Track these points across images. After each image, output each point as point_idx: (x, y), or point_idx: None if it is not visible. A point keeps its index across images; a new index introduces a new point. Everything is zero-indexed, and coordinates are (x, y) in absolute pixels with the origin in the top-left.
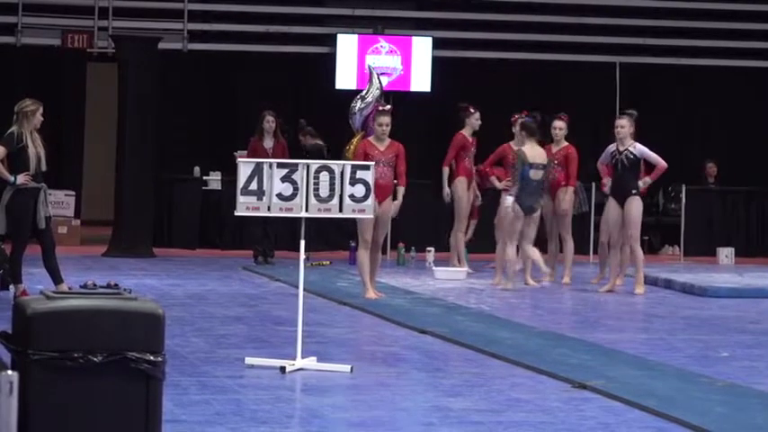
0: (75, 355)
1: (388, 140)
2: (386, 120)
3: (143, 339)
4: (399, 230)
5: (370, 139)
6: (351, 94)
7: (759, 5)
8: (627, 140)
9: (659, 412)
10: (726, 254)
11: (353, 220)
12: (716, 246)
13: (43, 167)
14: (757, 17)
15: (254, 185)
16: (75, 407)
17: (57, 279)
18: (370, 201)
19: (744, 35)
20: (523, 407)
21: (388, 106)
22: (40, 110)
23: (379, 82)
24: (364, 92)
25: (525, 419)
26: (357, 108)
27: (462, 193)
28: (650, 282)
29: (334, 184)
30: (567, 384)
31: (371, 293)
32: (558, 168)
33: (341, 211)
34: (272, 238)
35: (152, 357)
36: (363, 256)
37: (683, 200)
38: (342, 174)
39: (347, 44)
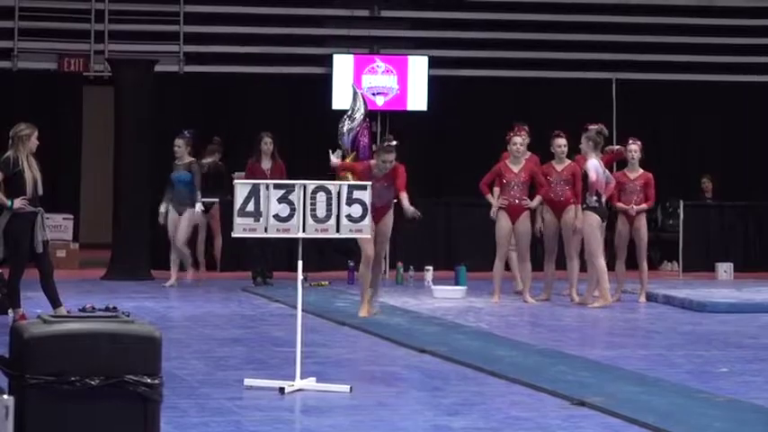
0: (72, 378)
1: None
2: (390, 157)
3: (140, 362)
4: (398, 250)
5: (372, 166)
6: None
7: (753, 20)
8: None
9: (658, 428)
10: (724, 269)
11: (353, 240)
12: (714, 261)
13: (40, 191)
14: (752, 32)
15: (251, 207)
16: (73, 431)
17: (55, 303)
18: (367, 221)
19: (738, 50)
20: (522, 425)
21: (394, 142)
22: (35, 134)
23: (363, 101)
24: (350, 111)
25: None
26: (345, 128)
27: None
28: (650, 297)
29: (330, 204)
30: (566, 401)
31: (364, 311)
32: (566, 186)
33: (338, 231)
34: (270, 259)
35: (149, 380)
36: (364, 271)
37: (681, 215)
38: (339, 194)
39: (343, 64)
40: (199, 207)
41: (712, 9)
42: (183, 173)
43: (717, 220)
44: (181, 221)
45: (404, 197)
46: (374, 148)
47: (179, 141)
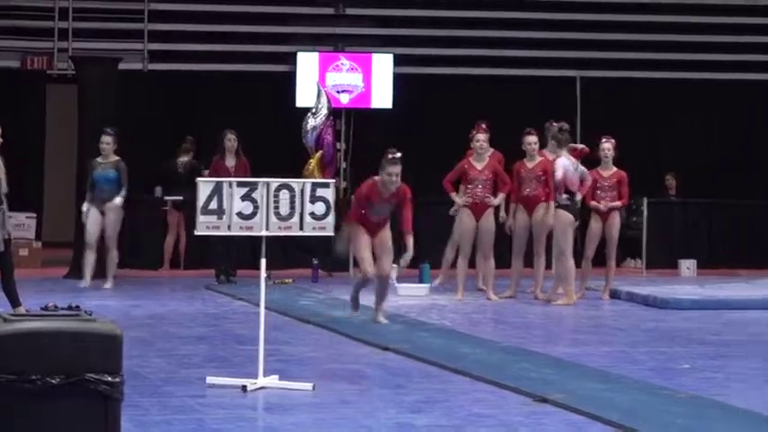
0: (33, 377)
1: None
2: (396, 170)
3: (102, 361)
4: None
5: (378, 185)
6: None
7: (716, 18)
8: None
9: (621, 425)
10: (687, 266)
11: (316, 239)
12: (678, 258)
13: (4, 189)
14: (715, 30)
15: (214, 205)
16: (34, 430)
17: (14, 302)
18: (330, 218)
19: (700, 48)
20: (485, 422)
21: (399, 154)
22: None
23: (327, 99)
24: (314, 109)
25: None
26: (310, 126)
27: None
28: (613, 295)
29: (294, 202)
30: (529, 399)
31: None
32: (538, 184)
33: (301, 228)
34: (233, 257)
35: (110, 378)
36: (360, 280)
37: (645, 213)
38: (302, 192)
39: (307, 62)
40: (118, 200)
41: (677, 6)
42: (110, 171)
43: (680, 218)
44: (109, 220)
45: (409, 239)
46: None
47: (108, 138)
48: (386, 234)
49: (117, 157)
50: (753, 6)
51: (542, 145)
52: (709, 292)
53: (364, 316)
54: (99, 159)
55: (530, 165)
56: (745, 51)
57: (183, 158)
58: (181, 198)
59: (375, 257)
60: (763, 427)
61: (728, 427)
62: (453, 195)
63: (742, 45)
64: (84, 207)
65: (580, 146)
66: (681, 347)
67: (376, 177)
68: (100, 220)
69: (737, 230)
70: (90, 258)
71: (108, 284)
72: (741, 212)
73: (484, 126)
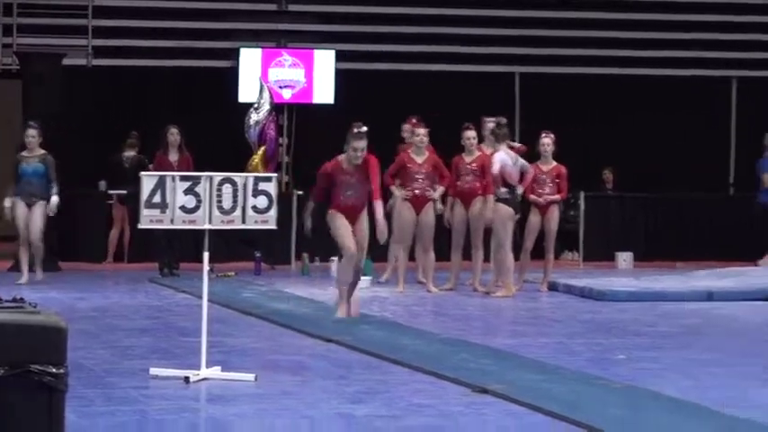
0: None
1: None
2: (361, 144)
3: (46, 352)
4: (304, 240)
5: (341, 160)
6: None
7: (652, 15)
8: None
9: (558, 415)
10: (624, 258)
11: (259, 232)
12: (614, 250)
13: None
14: (649, 26)
15: (157, 198)
16: None
17: None
18: (273, 212)
19: (637, 45)
20: (425, 412)
21: (364, 128)
22: None
23: (270, 94)
24: (256, 104)
25: (427, 424)
26: (252, 121)
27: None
28: (551, 287)
29: (236, 195)
30: (468, 389)
31: (342, 311)
32: (475, 178)
33: (244, 222)
34: (176, 250)
35: (54, 370)
36: (345, 266)
37: (582, 206)
38: (244, 186)
39: (250, 58)
40: (55, 201)
41: (615, 4)
42: (37, 165)
43: (617, 211)
44: (35, 216)
45: (378, 206)
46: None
47: (33, 132)
48: (363, 225)
49: (43, 151)
50: (689, 4)
51: (481, 140)
52: (644, 285)
53: (305, 308)
54: (24, 153)
55: (468, 159)
56: (679, 48)
57: (128, 153)
58: (125, 192)
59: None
60: (697, 416)
61: (663, 417)
62: (394, 188)
63: (677, 42)
64: (7, 203)
65: (517, 144)
66: (617, 338)
67: (339, 157)
68: (27, 214)
69: (673, 224)
70: (25, 254)
71: (39, 276)
72: (676, 206)
73: (415, 120)
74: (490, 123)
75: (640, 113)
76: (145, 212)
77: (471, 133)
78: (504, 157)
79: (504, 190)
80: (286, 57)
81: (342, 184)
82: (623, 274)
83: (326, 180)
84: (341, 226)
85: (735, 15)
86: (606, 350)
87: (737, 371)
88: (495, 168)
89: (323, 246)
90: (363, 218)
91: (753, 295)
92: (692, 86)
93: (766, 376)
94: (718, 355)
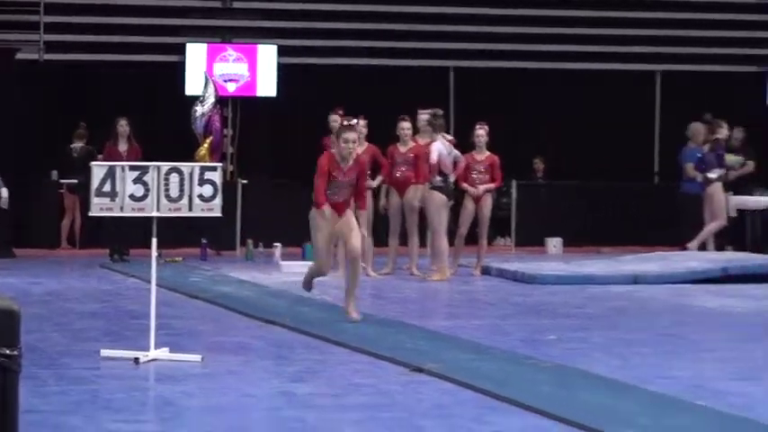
0: None
1: (352, 160)
2: (352, 136)
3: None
4: (248, 228)
5: (335, 155)
6: None
7: (582, 11)
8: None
9: (491, 392)
10: (554, 244)
11: (204, 219)
12: (544, 236)
13: None
14: (578, 23)
15: (107, 187)
16: None
17: None
18: (218, 200)
19: (567, 40)
20: (363, 390)
21: (354, 120)
22: None
23: (215, 87)
24: (202, 97)
25: (365, 402)
26: (199, 113)
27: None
28: (484, 271)
29: (183, 184)
30: (405, 368)
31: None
32: (409, 167)
33: (190, 210)
34: (126, 237)
35: (8, 351)
36: (312, 273)
37: (514, 194)
38: (191, 175)
39: (196, 53)
40: (5, 193)
41: (546, 2)
42: None
43: (547, 199)
44: None
45: (362, 218)
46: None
47: None
48: (348, 213)
49: None
50: (615, 1)
51: (415, 131)
52: (573, 269)
53: (249, 292)
54: None
55: (402, 149)
56: (606, 43)
57: (77, 144)
58: (75, 181)
59: (341, 239)
60: (624, 393)
61: (591, 395)
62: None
63: (604, 37)
64: None
65: (449, 136)
66: (547, 320)
67: (334, 152)
68: None
69: (600, 211)
70: None
71: None
72: (604, 194)
73: (342, 111)
74: (424, 115)
75: (569, 106)
76: (95, 201)
77: (406, 124)
78: (440, 147)
79: (438, 178)
80: (230, 52)
81: (335, 183)
82: (553, 259)
83: (327, 175)
84: (321, 242)
85: (660, 12)
86: (537, 331)
87: (661, 350)
88: (434, 157)
89: (266, 232)
90: (349, 212)
91: (675, 278)
92: (618, 80)
93: (688, 354)
94: (643, 335)
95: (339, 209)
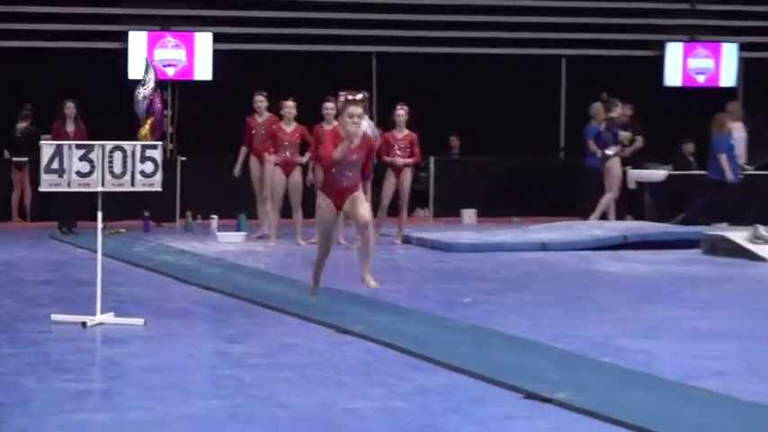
0: None
1: (359, 137)
2: (357, 110)
3: None
4: (187, 201)
5: (340, 132)
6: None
7: (492, 0)
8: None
9: (412, 351)
10: (468, 215)
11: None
12: (460, 208)
13: None
14: (489, 11)
15: (55, 164)
16: None
17: None
18: (159, 176)
19: (480, 27)
20: (294, 350)
21: (359, 95)
22: None
23: (155, 72)
24: (143, 81)
25: (296, 361)
26: (141, 96)
27: None
28: (405, 240)
29: (126, 162)
30: (332, 330)
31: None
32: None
33: (133, 185)
34: (74, 211)
35: None
36: (319, 260)
37: (432, 169)
38: (133, 153)
39: (137, 40)
40: None
41: None
42: None
43: (462, 173)
44: None
45: (366, 189)
46: (166, 113)
47: None
48: (357, 198)
49: None
50: None
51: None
52: (486, 237)
53: (188, 260)
54: None
55: (327, 128)
56: (516, 30)
57: (22, 124)
58: (24, 159)
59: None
60: (535, 351)
61: (505, 353)
62: (266, 155)
63: (514, 24)
64: None
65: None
66: (462, 284)
67: (335, 125)
68: None
69: (511, 184)
70: None
71: None
72: (514, 168)
73: (265, 93)
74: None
75: (483, 87)
76: (45, 177)
77: (330, 105)
78: (366, 125)
79: None
80: (169, 39)
81: (341, 163)
82: (468, 229)
83: (335, 141)
84: (324, 226)
85: (565, 1)
86: (454, 294)
87: (568, 311)
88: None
89: (203, 205)
90: (359, 192)
91: (580, 245)
92: (527, 64)
93: (592, 314)
94: (551, 297)
95: (347, 193)
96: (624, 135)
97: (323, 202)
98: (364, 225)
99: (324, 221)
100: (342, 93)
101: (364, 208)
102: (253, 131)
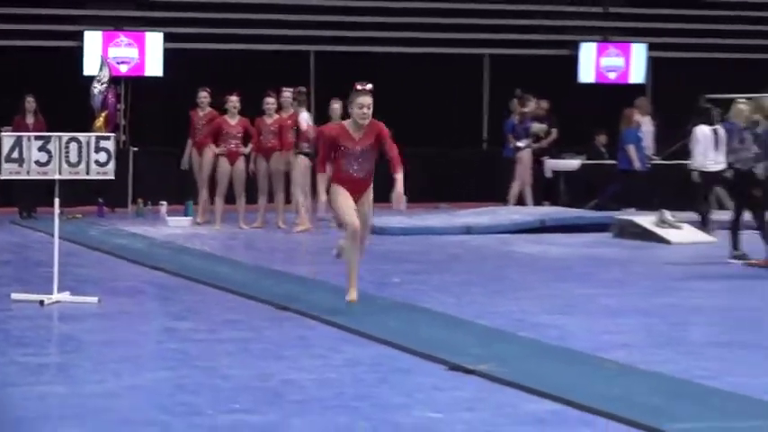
0: None
1: (365, 127)
2: (367, 101)
3: None
4: (138, 188)
5: (346, 124)
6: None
7: (424, 3)
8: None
9: (346, 327)
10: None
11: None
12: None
13: None
14: (418, 13)
15: (15, 154)
16: None
17: None
18: (112, 165)
19: (409, 28)
20: (236, 326)
21: (369, 85)
22: None
23: (109, 68)
24: (98, 77)
25: (237, 336)
26: (97, 91)
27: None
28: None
29: (81, 152)
30: (273, 308)
31: (353, 294)
32: (274, 136)
33: (88, 173)
34: (33, 197)
35: None
36: (350, 246)
37: None
38: (88, 144)
39: (93, 39)
40: None
41: None
42: None
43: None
44: None
45: (399, 178)
46: (119, 107)
47: None
48: (369, 199)
49: None
50: None
51: (279, 107)
52: (416, 222)
53: (140, 243)
54: None
55: (268, 121)
56: (443, 31)
57: None
58: None
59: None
60: (459, 327)
61: (432, 329)
62: (212, 146)
63: (436, 25)
64: None
65: None
66: (393, 265)
67: (345, 121)
68: None
69: (439, 173)
70: None
71: None
72: (441, 158)
73: (209, 89)
74: (287, 93)
75: (414, 83)
76: (5, 166)
77: (271, 99)
78: (307, 118)
79: (305, 145)
80: (123, 38)
81: (348, 154)
82: (398, 214)
83: (331, 146)
84: (343, 203)
85: (486, 4)
86: (385, 275)
87: (490, 289)
88: (304, 126)
89: (153, 192)
90: (369, 192)
91: (501, 229)
92: (453, 62)
93: (511, 293)
94: (475, 277)
95: (359, 186)
96: (539, 127)
97: (338, 189)
98: (364, 227)
99: (344, 205)
100: (284, 89)
101: (366, 227)
102: (195, 124)
